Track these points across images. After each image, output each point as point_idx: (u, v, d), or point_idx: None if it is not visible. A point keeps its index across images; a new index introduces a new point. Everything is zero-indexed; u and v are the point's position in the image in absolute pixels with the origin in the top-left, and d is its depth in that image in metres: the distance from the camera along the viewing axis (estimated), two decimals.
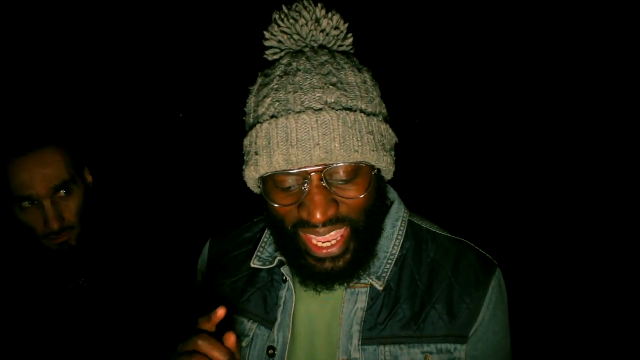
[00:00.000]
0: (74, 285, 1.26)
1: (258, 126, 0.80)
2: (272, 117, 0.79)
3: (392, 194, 1.03)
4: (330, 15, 0.84)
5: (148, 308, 1.31)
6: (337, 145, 0.75)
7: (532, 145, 5.37)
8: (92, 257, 1.28)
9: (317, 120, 0.76)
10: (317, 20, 0.83)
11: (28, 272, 1.26)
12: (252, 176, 0.83)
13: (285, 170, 0.78)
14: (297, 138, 0.75)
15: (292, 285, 0.93)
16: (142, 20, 4.72)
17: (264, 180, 0.84)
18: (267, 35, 0.86)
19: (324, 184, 0.78)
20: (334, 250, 0.82)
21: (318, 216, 0.77)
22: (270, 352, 0.93)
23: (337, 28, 0.85)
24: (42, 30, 4.20)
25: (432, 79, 5.63)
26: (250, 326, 0.97)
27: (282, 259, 0.94)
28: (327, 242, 0.82)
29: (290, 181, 0.80)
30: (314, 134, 0.75)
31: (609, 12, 4.19)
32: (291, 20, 0.83)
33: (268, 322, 0.96)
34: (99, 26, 4.55)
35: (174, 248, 1.39)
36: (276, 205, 0.82)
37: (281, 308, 0.94)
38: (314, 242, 0.83)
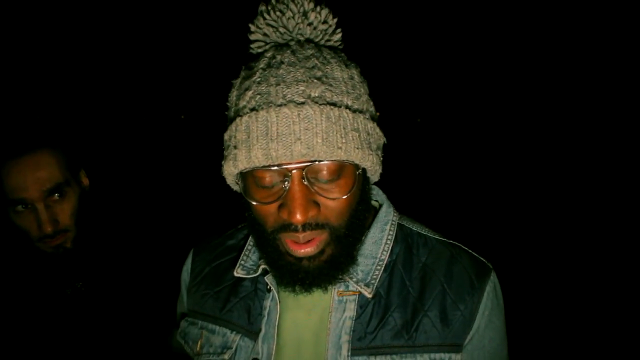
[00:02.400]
0: (72, 289, 1.24)
1: (238, 119, 0.76)
2: (252, 109, 0.75)
3: (380, 197, 0.99)
4: (318, 9, 0.81)
5: (146, 311, 1.28)
6: (319, 140, 0.72)
7: (532, 146, 5.37)
8: (90, 260, 1.26)
9: (298, 114, 0.72)
10: (305, 13, 0.80)
11: (24, 275, 1.24)
12: (230, 171, 0.79)
13: (264, 166, 0.74)
14: (278, 132, 0.72)
15: (276, 294, 0.89)
16: (141, 21, 4.71)
17: (243, 176, 0.80)
18: (252, 28, 0.83)
19: (305, 183, 0.74)
20: (309, 250, 0.78)
21: (298, 216, 0.73)
22: None
23: (325, 22, 0.82)
24: (39, 30, 4.17)
25: (433, 78, 5.64)
26: (233, 337, 0.93)
27: (266, 267, 0.90)
28: (305, 240, 0.78)
29: (270, 178, 0.76)
30: (295, 128, 0.71)
31: (609, 12, 4.22)
32: (277, 13, 0.80)
33: (252, 332, 0.91)
34: (97, 26, 4.52)
35: (172, 250, 1.36)
36: (254, 203, 0.78)
37: (265, 318, 0.90)
38: (293, 243, 0.79)
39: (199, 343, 0.96)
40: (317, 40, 0.83)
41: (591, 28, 4.45)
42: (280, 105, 0.73)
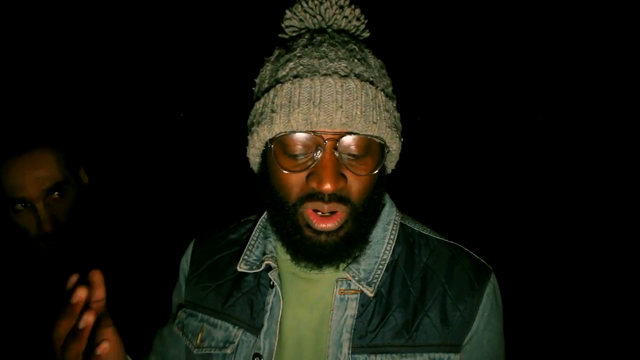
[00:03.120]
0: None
1: (278, 86, 0.77)
2: (295, 77, 0.76)
3: (384, 197, 1.01)
4: (353, 6, 0.87)
5: (143, 308, 1.23)
6: (358, 112, 0.74)
7: (531, 145, 5.47)
8: (88, 257, 1.23)
9: (342, 85, 0.75)
10: (341, 7, 0.85)
11: (23, 274, 1.24)
12: (263, 136, 0.79)
13: (301, 131, 0.75)
14: (321, 99, 0.74)
15: (279, 290, 0.88)
16: (140, 20, 4.56)
17: (271, 144, 0.80)
18: (288, 14, 0.86)
19: (336, 154, 0.76)
20: (330, 225, 0.79)
21: (328, 185, 0.74)
22: (256, 359, 0.86)
23: (358, 19, 0.86)
24: (38, 29, 3.99)
25: (433, 78, 5.77)
26: (235, 332, 0.90)
27: (270, 262, 0.89)
28: (330, 211, 0.79)
29: (301, 147, 0.77)
30: (337, 97, 0.74)
31: (609, 12, 4.53)
32: (315, 2, 0.83)
33: (254, 328, 0.89)
34: (96, 25, 4.34)
35: (170, 248, 1.31)
36: (285, 171, 0.78)
37: (267, 314, 0.88)
38: (316, 212, 0.79)
39: (200, 336, 0.94)
40: (351, 32, 0.88)
41: (591, 28, 4.74)
42: (324, 75, 0.75)
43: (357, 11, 0.86)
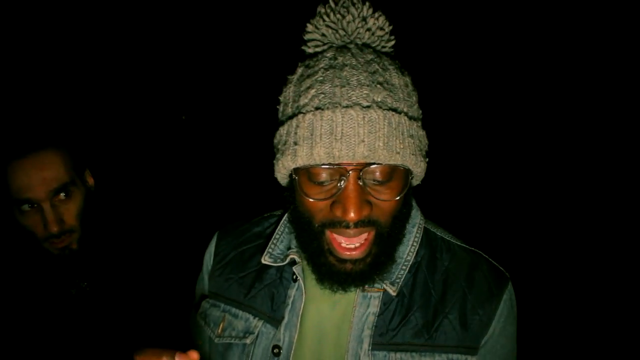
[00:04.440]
0: (77, 289, 1.23)
1: (300, 116, 0.78)
2: (317, 108, 0.77)
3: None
4: (376, 15, 0.84)
5: (151, 310, 1.28)
6: (380, 144, 0.74)
7: (540, 148, 5.28)
8: (94, 260, 1.25)
9: (364, 117, 0.74)
10: (364, 19, 0.82)
11: (30, 275, 1.23)
12: (287, 166, 0.81)
13: (324, 164, 0.76)
14: (342, 132, 0.74)
15: (302, 284, 0.91)
16: (144, 22, 4.66)
17: (297, 172, 0.82)
18: (309, 27, 0.85)
19: (360, 183, 0.77)
20: (357, 254, 0.81)
21: (352, 214, 0.76)
22: (276, 350, 0.91)
23: (382, 29, 0.84)
24: (43, 30, 4.10)
25: (432, 79, 5.62)
26: (255, 323, 0.95)
27: (295, 257, 0.92)
28: (351, 244, 0.80)
29: (326, 175, 0.78)
30: (359, 131, 0.74)
31: (609, 12, 4.20)
32: (337, 15, 0.82)
33: (274, 320, 0.93)
34: (101, 27, 4.47)
35: (176, 250, 1.36)
36: (310, 200, 0.80)
37: (289, 307, 0.92)
38: (339, 241, 0.81)
39: (221, 326, 0.98)
40: (374, 45, 0.86)
41: (591, 28, 4.43)
42: (346, 107, 0.75)
43: (381, 19, 0.84)
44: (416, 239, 0.96)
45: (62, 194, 1.16)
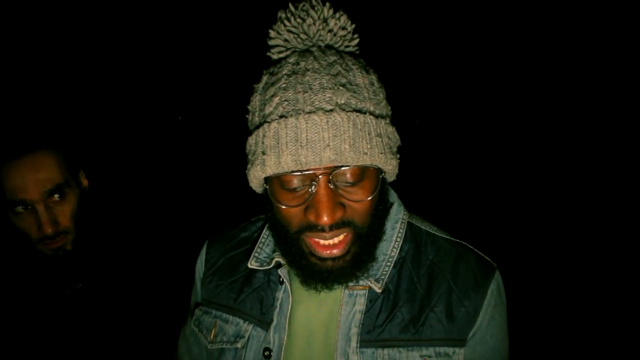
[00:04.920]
0: (71, 290, 1.24)
1: (265, 125, 0.78)
2: (281, 116, 0.77)
3: (392, 196, 1.03)
4: (337, 15, 0.83)
5: (146, 312, 1.29)
6: (347, 147, 0.74)
7: (530, 146, 5.38)
8: (89, 261, 1.26)
9: (327, 121, 0.74)
10: (325, 20, 0.82)
11: (24, 277, 1.23)
12: (258, 176, 0.82)
13: (293, 171, 0.77)
14: (307, 138, 0.74)
15: (288, 286, 0.92)
16: (139, 21, 4.68)
17: (268, 179, 0.83)
18: (272, 34, 0.85)
19: (331, 186, 0.77)
20: (336, 252, 0.82)
21: (325, 218, 0.76)
22: (266, 353, 0.92)
23: (344, 28, 0.84)
24: (37, 31, 4.13)
25: (431, 79, 5.65)
26: (245, 327, 0.96)
27: (280, 260, 0.93)
28: (330, 242, 0.81)
29: (297, 182, 0.79)
30: (324, 135, 0.74)
31: (609, 12, 4.18)
32: (298, 19, 0.82)
33: (264, 323, 0.95)
34: (95, 27, 4.50)
35: (171, 251, 1.37)
36: (283, 207, 0.81)
37: (277, 309, 0.94)
38: (318, 241, 0.82)
39: (213, 332, 0.99)
40: (337, 46, 0.85)
41: (591, 28, 4.41)
42: (309, 113, 0.75)
43: (343, 19, 0.83)
44: (400, 235, 0.96)
45: (56, 195, 1.16)
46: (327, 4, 0.83)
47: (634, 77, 4.42)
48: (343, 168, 0.77)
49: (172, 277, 1.31)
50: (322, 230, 0.78)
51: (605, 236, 4.15)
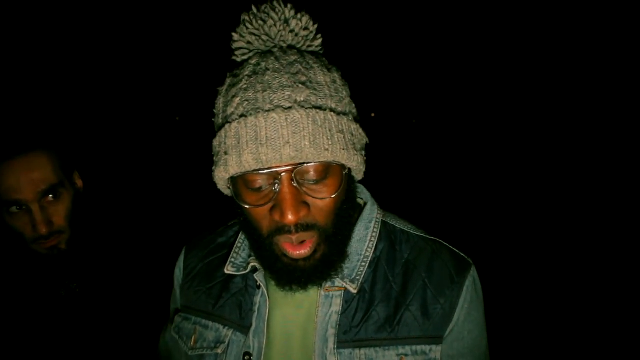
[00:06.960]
0: (66, 290, 1.25)
1: (227, 126, 0.79)
2: (241, 116, 0.77)
3: (365, 195, 1.02)
4: (299, 16, 0.84)
5: (141, 311, 1.29)
6: (307, 143, 0.74)
7: (526, 146, 5.42)
8: (84, 261, 1.26)
9: (286, 119, 0.74)
10: (286, 21, 0.82)
11: (19, 277, 1.24)
12: (222, 176, 0.82)
13: (255, 170, 0.77)
14: (267, 136, 0.74)
15: (265, 290, 0.92)
16: (136, 23, 4.70)
17: (234, 180, 0.83)
18: (235, 36, 0.85)
19: (294, 184, 0.77)
20: (304, 252, 0.81)
21: (290, 216, 0.76)
22: (247, 357, 0.92)
23: (306, 28, 0.84)
24: (33, 33, 4.15)
25: (429, 80, 5.69)
26: (225, 332, 0.96)
27: (255, 264, 0.93)
28: (299, 241, 0.81)
29: (261, 181, 0.79)
30: (283, 132, 0.74)
31: (609, 12, 4.22)
32: (259, 21, 0.82)
33: (243, 327, 0.95)
34: (93, 28, 4.51)
35: (165, 251, 1.36)
36: (247, 206, 0.81)
37: (255, 314, 0.93)
38: (287, 242, 0.81)
39: (193, 338, 0.99)
40: (299, 46, 0.86)
41: (591, 28, 4.44)
42: (268, 111, 0.75)
43: (305, 20, 0.83)
44: (374, 234, 0.96)
45: (51, 196, 1.16)
46: (289, 5, 0.83)
47: (633, 77, 4.45)
48: (305, 165, 0.76)
49: (167, 277, 1.31)
50: (289, 231, 0.78)
51: (591, 232, 4.21)
